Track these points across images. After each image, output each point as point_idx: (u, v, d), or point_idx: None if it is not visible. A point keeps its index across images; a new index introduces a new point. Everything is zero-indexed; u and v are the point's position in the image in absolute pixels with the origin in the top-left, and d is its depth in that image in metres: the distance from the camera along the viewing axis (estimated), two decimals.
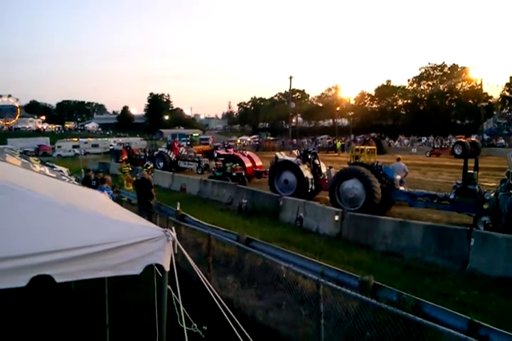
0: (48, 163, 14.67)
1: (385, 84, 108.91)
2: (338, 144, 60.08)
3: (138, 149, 47.22)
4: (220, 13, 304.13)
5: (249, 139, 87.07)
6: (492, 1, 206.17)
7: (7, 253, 3.14)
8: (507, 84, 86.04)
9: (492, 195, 13.41)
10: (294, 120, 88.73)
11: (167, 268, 3.93)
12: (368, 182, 16.13)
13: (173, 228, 4.19)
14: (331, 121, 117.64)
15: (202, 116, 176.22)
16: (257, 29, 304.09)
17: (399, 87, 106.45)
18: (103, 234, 3.69)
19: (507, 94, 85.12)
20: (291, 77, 71.42)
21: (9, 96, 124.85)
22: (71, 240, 3.47)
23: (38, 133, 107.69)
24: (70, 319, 7.14)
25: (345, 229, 13.35)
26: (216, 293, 4.84)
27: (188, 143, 50.70)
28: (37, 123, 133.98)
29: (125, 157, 39.75)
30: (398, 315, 4.75)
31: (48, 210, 3.87)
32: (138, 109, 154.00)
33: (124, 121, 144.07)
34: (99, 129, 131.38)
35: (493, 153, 46.24)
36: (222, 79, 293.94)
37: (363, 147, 20.50)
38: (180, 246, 4.17)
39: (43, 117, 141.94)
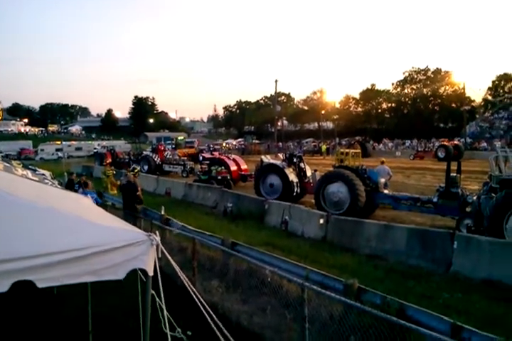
0: (30, 167, 14.50)
1: (370, 87, 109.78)
2: (324, 147, 60.17)
3: (122, 152, 46.91)
4: (205, 15, 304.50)
5: (234, 142, 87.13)
6: (474, 6, 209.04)
7: None
8: (489, 88, 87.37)
9: (475, 198, 13.57)
10: (279, 123, 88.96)
11: (151, 273, 3.92)
12: (353, 186, 16.21)
13: (157, 232, 4.18)
14: (316, 124, 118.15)
15: (187, 119, 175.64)
16: (242, 32, 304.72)
17: (383, 91, 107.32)
18: (86, 238, 3.67)
19: (489, 98, 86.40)
20: (276, 81, 71.94)
21: None
22: (53, 244, 3.44)
23: (20, 136, 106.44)
24: (53, 325, 7.06)
25: (330, 232, 13.39)
26: (200, 298, 4.83)
27: (173, 146, 50.55)
28: (19, 126, 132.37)
29: (109, 160, 39.54)
30: (382, 318, 4.78)
31: (31, 214, 3.84)
32: (122, 112, 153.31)
33: (108, 124, 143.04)
34: (83, 132, 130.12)
35: (476, 156, 46.70)
36: (208, 82, 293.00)
37: (347, 150, 20.60)
38: (164, 251, 4.16)
39: (26, 120, 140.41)
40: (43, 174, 13.15)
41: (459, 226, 13.43)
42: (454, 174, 14.84)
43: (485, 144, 58.28)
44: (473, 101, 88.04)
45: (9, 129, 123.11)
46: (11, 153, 66.09)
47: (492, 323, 6.89)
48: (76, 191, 12.78)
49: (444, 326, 5.93)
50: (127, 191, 14.11)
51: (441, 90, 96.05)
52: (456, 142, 50.82)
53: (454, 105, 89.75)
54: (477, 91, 79.87)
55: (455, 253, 10.25)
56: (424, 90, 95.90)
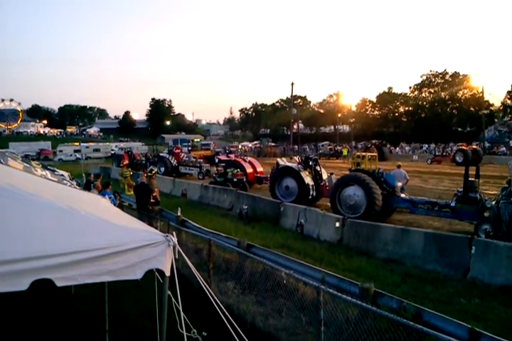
0: (49, 167, 14.64)
1: (387, 91, 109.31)
2: (345, 151, 58.78)
3: (139, 154, 47.23)
4: (222, 18, 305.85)
5: (250, 145, 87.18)
6: (494, 10, 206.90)
7: (8, 257, 3.14)
8: (508, 92, 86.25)
9: (493, 202, 13.38)
10: (295, 126, 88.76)
11: (168, 273, 3.94)
12: (369, 189, 16.10)
13: (174, 233, 4.19)
14: (332, 127, 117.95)
15: (203, 122, 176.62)
16: (259, 35, 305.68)
17: (400, 94, 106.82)
18: (104, 238, 3.70)
19: (508, 102, 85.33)
20: (292, 84, 71.75)
21: (11, 100, 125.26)
22: (72, 244, 3.48)
23: (39, 137, 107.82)
24: (70, 324, 7.12)
25: (346, 235, 13.32)
26: (216, 299, 4.83)
27: (190, 148, 50.72)
28: (39, 127, 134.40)
29: (126, 162, 39.85)
30: (399, 322, 4.73)
31: (50, 214, 3.88)
32: (140, 113, 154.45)
33: (125, 126, 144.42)
34: (101, 134, 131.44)
35: (494, 160, 46.25)
36: (224, 85, 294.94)
37: (364, 154, 20.48)
38: (181, 252, 4.17)
39: (45, 121, 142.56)
40: (62, 175, 13.26)
41: (477, 231, 13.27)
42: (473, 179, 14.68)
43: (504, 149, 57.57)
44: (492, 105, 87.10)
45: (29, 130, 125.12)
46: (30, 153, 66.84)
47: (511, 329, 6.78)
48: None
49: (461, 332, 5.86)
50: (141, 192, 14.16)
51: (460, 94, 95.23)
52: (474, 146, 50.18)
53: (472, 109, 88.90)
54: (496, 95, 78.95)
55: (473, 259, 10.12)
56: (442, 94, 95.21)
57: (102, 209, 5.32)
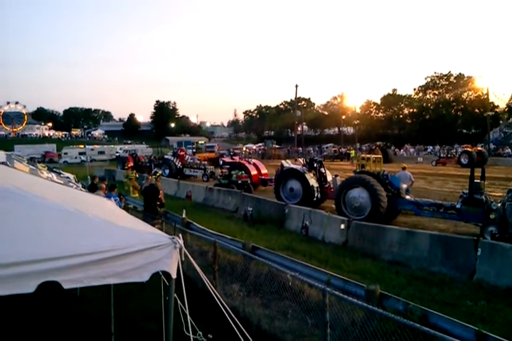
0: (55, 170, 14.71)
1: (391, 93, 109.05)
2: (353, 152, 58.41)
3: (144, 156, 47.32)
4: (226, 21, 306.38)
5: (254, 147, 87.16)
6: (499, 11, 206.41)
7: (15, 259, 3.15)
8: None
9: (499, 204, 13.32)
10: (299, 128, 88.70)
11: (174, 276, 3.93)
12: (374, 191, 16.06)
13: (180, 235, 4.19)
14: (336, 129, 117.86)
15: (208, 124, 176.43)
16: (263, 37, 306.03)
17: (405, 96, 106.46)
18: (111, 240, 3.70)
19: None
20: (296, 86, 72.02)
21: (16, 103, 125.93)
22: (79, 246, 3.48)
23: (44, 139, 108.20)
24: (76, 326, 7.13)
25: (351, 237, 13.29)
26: (222, 301, 4.82)
27: (194, 150, 50.75)
28: (44, 130, 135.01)
29: (131, 164, 39.93)
30: (405, 324, 4.70)
31: (57, 216, 3.89)
32: (144, 116, 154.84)
33: (130, 129, 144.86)
34: (106, 136, 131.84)
35: (500, 162, 46.10)
36: (228, 87, 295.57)
37: (368, 156, 20.44)
38: (188, 254, 4.17)
39: (50, 124, 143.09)
40: (68, 177, 13.33)
41: (483, 233, 13.21)
42: (478, 180, 14.62)
43: (509, 150, 57.21)
44: (497, 106, 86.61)
45: (34, 133, 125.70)
46: (35, 156, 67.04)
47: None
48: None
49: (468, 334, 5.83)
50: (149, 193, 14.16)
51: (464, 96, 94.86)
52: (479, 148, 49.94)
53: (477, 110, 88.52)
54: (501, 97, 78.44)
55: (479, 261, 10.08)
56: (447, 95, 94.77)
57: (107, 212, 5.33)
